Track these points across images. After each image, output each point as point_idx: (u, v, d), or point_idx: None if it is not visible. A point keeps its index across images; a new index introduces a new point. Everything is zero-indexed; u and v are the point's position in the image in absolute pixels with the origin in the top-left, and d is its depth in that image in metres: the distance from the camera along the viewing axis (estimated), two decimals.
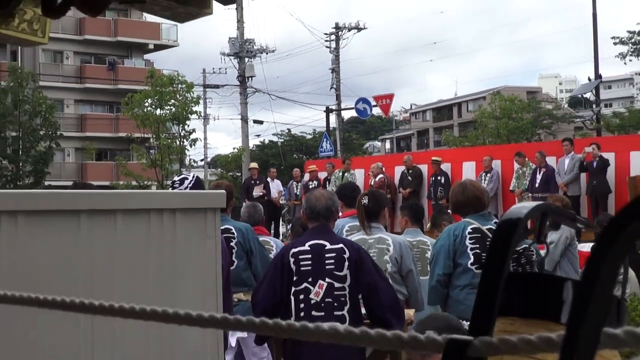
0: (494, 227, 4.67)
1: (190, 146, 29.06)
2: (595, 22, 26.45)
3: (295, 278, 4.33)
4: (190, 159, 35.23)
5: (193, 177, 4.96)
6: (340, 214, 5.16)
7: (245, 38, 33.75)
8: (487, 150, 17.45)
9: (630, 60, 35.08)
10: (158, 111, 27.75)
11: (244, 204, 9.10)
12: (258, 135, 50.70)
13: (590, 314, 0.64)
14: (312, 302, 4.28)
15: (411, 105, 73.97)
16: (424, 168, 16.63)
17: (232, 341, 5.79)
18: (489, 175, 14.98)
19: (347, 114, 43.11)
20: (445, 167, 16.20)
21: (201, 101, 33.84)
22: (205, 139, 40.53)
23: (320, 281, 4.29)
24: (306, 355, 4.21)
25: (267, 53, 35.01)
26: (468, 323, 0.80)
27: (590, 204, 13.71)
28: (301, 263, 4.34)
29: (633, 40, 34.07)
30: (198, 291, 3.03)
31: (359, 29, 35.44)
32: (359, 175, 17.27)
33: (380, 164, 17.05)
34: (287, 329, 0.80)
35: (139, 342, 2.84)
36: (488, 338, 0.70)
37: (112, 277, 2.82)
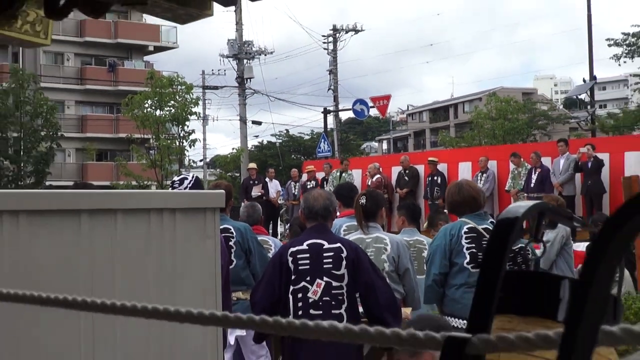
0: (489, 227, 4.69)
1: (190, 147, 29.15)
2: (589, 24, 26.47)
3: (293, 277, 4.34)
4: (189, 160, 35.32)
5: (192, 177, 4.97)
6: (338, 213, 5.16)
7: (244, 40, 33.70)
8: (483, 151, 17.44)
9: (625, 62, 35.01)
10: (158, 112, 27.78)
11: (242, 203, 9.09)
12: (256, 136, 50.79)
13: (588, 313, 0.64)
14: (310, 300, 4.29)
15: (408, 107, 74.03)
16: (421, 168, 16.63)
17: (231, 339, 5.80)
18: (484, 175, 14.98)
19: (344, 115, 43.10)
20: (442, 167, 16.21)
21: (200, 102, 33.76)
22: (204, 139, 40.42)
23: (318, 280, 4.30)
24: (305, 353, 4.22)
25: (265, 55, 34.98)
26: (465, 322, 0.81)
27: (585, 204, 13.71)
28: (299, 262, 4.35)
29: (627, 42, 33.98)
30: (197, 290, 3.04)
31: (357, 31, 35.41)
32: (356, 176, 17.28)
33: (377, 165, 17.05)
34: (287, 326, 0.81)
35: (139, 341, 2.85)
36: (486, 335, 0.71)
37: (112, 276, 2.83)
